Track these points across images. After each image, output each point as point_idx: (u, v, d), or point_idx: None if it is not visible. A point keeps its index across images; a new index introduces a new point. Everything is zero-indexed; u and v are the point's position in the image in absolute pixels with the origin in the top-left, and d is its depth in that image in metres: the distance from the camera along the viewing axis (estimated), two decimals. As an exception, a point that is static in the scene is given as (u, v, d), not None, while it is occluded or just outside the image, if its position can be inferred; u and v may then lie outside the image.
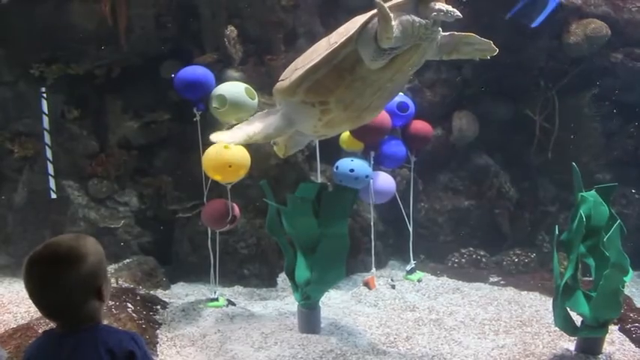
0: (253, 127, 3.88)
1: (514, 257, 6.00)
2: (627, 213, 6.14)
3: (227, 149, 4.63)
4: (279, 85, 3.84)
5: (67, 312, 1.87)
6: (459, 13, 3.35)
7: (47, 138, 5.33)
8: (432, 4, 3.37)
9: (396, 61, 3.46)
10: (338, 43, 3.46)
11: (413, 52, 3.47)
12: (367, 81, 3.52)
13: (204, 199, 4.93)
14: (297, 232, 4.33)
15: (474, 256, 6.04)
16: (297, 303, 4.58)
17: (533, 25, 5.68)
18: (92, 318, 1.91)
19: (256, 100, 4.87)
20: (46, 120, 5.31)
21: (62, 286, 1.82)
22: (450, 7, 3.36)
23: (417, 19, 3.33)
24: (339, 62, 3.45)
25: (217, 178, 4.75)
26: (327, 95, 3.59)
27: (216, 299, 5.00)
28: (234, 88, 4.78)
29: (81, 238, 1.94)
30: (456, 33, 3.58)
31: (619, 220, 3.84)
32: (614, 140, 6.43)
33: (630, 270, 3.88)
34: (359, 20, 3.49)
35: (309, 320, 4.51)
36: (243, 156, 4.70)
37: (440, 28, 3.47)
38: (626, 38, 6.16)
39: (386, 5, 3.27)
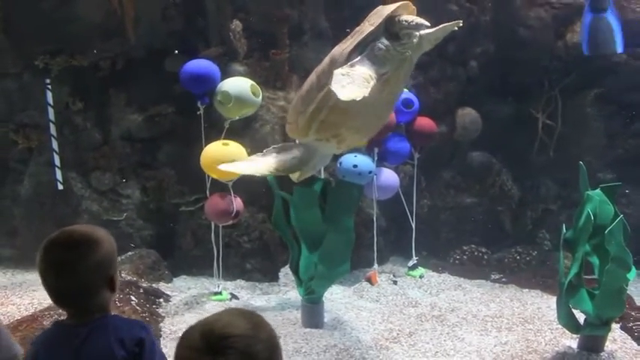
0: (277, 162, 3.93)
1: (515, 255, 6.02)
2: (628, 212, 6.13)
3: (226, 146, 4.63)
4: (290, 129, 4.01)
5: (80, 299, 1.88)
6: (427, 23, 3.44)
7: (53, 129, 5.31)
8: (398, 18, 3.46)
9: (390, 79, 3.55)
10: (328, 86, 3.48)
11: (403, 65, 3.57)
12: (370, 104, 3.54)
13: (207, 193, 4.93)
14: (303, 225, 4.33)
15: (476, 253, 6.05)
16: (300, 297, 4.60)
17: (620, 50, 5.58)
18: (103, 309, 1.92)
19: (260, 97, 4.87)
20: (51, 111, 5.29)
21: (78, 270, 1.83)
22: (417, 19, 3.45)
23: (388, 43, 3.45)
24: (336, 102, 3.48)
25: (215, 175, 4.73)
26: (338, 129, 3.72)
27: (220, 293, 5.02)
28: (239, 84, 4.78)
29: (95, 227, 1.99)
30: (422, 34, 3.54)
31: (621, 215, 3.86)
32: (617, 140, 6.43)
33: (633, 268, 3.89)
34: (337, 57, 3.56)
35: (313, 315, 4.52)
36: (241, 153, 4.65)
37: (421, 26, 3.48)
38: (630, 38, 6.16)
39: (358, 39, 3.46)
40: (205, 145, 4.77)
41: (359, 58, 3.46)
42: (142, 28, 5.46)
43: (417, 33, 3.49)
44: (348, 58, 3.50)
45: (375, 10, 3.63)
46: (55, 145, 5.34)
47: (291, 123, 3.98)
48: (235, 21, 5.61)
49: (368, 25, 3.54)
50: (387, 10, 3.52)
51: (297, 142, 4.16)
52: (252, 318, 1.49)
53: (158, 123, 5.75)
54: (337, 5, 6.05)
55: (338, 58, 3.57)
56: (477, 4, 6.02)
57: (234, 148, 4.63)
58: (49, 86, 5.31)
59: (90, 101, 5.63)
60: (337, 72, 3.37)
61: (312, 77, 3.82)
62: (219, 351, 1.38)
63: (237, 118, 4.87)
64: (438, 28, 3.56)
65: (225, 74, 5.09)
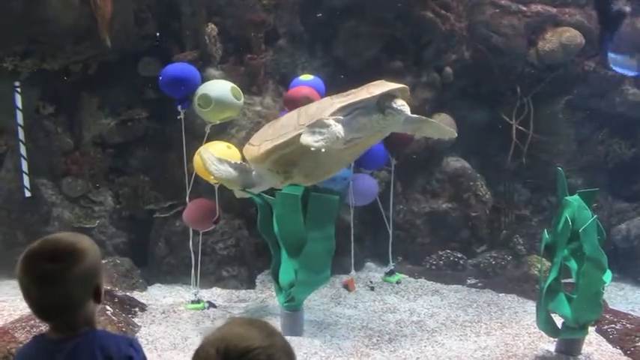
0: (233, 172, 4.21)
1: (491, 259, 6.08)
2: (597, 217, 6.27)
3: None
4: (249, 150, 4.19)
5: (66, 311, 1.78)
6: (408, 113, 3.82)
7: (21, 134, 5.14)
8: (391, 102, 3.83)
9: (359, 143, 3.94)
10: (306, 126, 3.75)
11: (375, 135, 3.98)
12: (329, 156, 3.86)
13: (187, 199, 4.84)
14: (285, 230, 4.30)
15: (452, 258, 6.08)
16: (278, 305, 4.55)
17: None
18: (88, 322, 1.83)
19: (242, 101, 4.82)
20: (20, 115, 5.13)
21: (63, 282, 1.73)
22: (405, 107, 3.83)
23: (374, 116, 3.83)
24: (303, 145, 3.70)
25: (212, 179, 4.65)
26: (291, 166, 3.97)
27: (197, 301, 4.92)
28: (219, 88, 4.72)
29: (78, 235, 1.87)
30: (416, 117, 3.99)
31: (595, 216, 3.93)
32: (586, 146, 6.58)
33: (609, 270, 3.96)
34: (326, 107, 3.84)
35: (293, 322, 4.48)
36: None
37: (404, 114, 3.85)
38: (599, 47, 6.32)
39: (352, 101, 3.80)
40: (185, 151, 4.70)
41: (343, 118, 3.73)
42: (114, 31, 5.33)
43: (405, 113, 3.85)
44: (334, 113, 3.78)
45: (377, 82, 3.99)
46: (23, 150, 5.17)
47: (254, 145, 4.16)
48: (210, 25, 5.55)
49: (365, 93, 3.86)
50: (387, 86, 3.90)
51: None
52: (263, 327, 1.46)
53: (131, 128, 5.65)
54: (313, 10, 6.03)
55: (326, 108, 3.85)
56: (453, 12, 6.07)
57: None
58: (18, 89, 5.15)
59: (61, 105, 5.50)
60: (322, 117, 3.70)
61: (294, 113, 4.09)
62: None
63: (219, 122, 4.80)
64: (429, 120, 4.12)
65: (201, 79, 5.01)
